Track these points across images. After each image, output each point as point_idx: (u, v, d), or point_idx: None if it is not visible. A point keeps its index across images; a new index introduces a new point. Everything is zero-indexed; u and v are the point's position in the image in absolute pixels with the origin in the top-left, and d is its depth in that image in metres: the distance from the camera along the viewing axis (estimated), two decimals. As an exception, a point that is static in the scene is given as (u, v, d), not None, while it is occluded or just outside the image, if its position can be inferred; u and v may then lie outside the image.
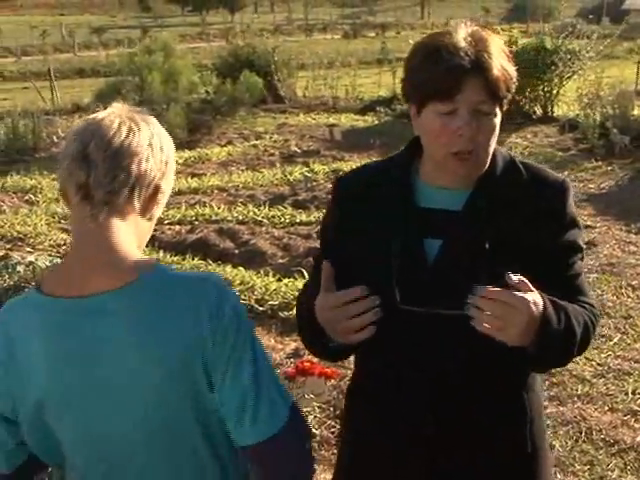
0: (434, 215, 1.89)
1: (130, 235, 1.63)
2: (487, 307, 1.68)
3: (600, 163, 10.00)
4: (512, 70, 1.83)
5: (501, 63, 1.80)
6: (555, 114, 13.14)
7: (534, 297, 1.71)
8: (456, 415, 1.90)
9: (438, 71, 1.77)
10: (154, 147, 1.66)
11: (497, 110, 1.82)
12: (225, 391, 1.60)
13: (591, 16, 30.12)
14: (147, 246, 7.31)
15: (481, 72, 1.76)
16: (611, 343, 5.10)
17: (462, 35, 1.80)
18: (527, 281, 1.71)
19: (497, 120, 1.83)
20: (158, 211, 1.72)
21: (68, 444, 1.66)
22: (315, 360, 3.84)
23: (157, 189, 1.67)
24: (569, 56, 12.79)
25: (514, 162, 1.95)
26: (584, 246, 1.97)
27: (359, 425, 2.08)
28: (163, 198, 1.71)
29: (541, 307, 1.72)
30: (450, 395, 1.89)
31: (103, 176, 1.57)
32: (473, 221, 1.86)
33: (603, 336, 5.17)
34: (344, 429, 2.24)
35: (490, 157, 1.88)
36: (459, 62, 1.75)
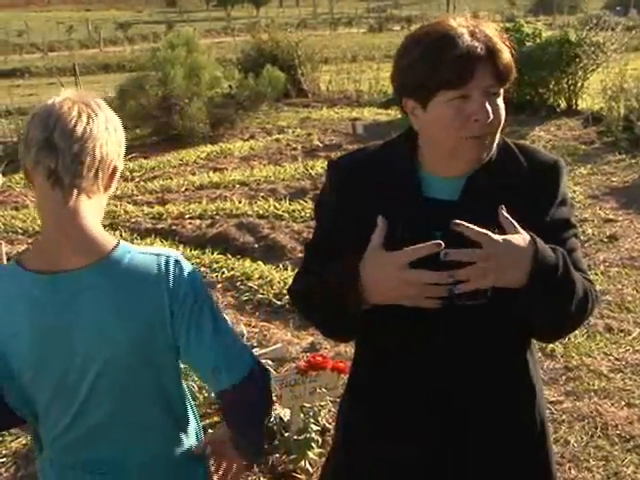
0: (437, 206, 1.88)
1: (96, 213, 1.82)
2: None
3: (624, 156, 9.88)
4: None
5: (507, 48, 1.81)
6: (579, 107, 13.03)
7: (511, 237, 1.72)
8: (465, 404, 1.92)
9: (450, 57, 1.75)
10: (110, 131, 1.81)
11: (501, 91, 1.84)
12: (193, 352, 1.85)
13: (618, 8, 29.89)
14: (167, 239, 7.27)
15: (492, 57, 1.77)
16: (630, 338, 5.05)
17: (462, 23, 1.80)
18: (513, 222, 1.74)
19: (501, 101, 1.85)
20: (114, 187, 1.89)
21: (43, 402, 1.87)
22: (329, 354, 3.85)
23: (115, 169, 1.84)
24: (593, 49, 12.68)
25: (508, 145, 1.96)
26: (577, 223, 1.99)
27: (361, 420, 2.08)
28: (118, 176, 1.88)
29: (528, 244, 1.72)
30: (458, 385, 1.91)
31: (70, 162, 1.73)
32: (469, 210, 1.82)
33: (622, 330, 5.13)
34: (342, 427, 2.22)
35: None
36: (472, 47, 1.75)
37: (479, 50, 1.76)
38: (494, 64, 1.78)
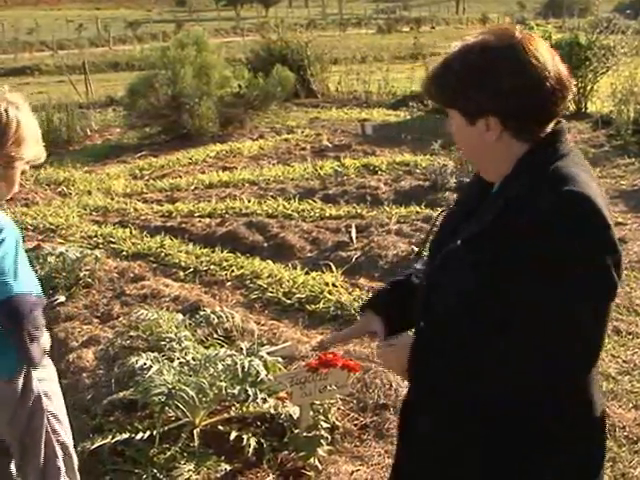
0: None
1: None
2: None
3: (633, 160, 9.90)
4: (472, 87, 1.77)
5: (451, 71, 1.80)
6: (589, 110, 13.06)
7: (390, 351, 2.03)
8: None
9: None
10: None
11: (459, 116, 1.85)
12: None
13: (628, 11, 29.82)
14: (177, 237, 7.29)
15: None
16: (638, 340, 5.05)
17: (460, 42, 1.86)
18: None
19: (458, 126, 1.87)
20: None
21: None
22: (338, 353, 3.86)
23: None
24: (603, 52, 12.70)
25: (546, 172, 1.76)
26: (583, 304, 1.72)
27: None
28: None
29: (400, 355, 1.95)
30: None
31: None
32: (477, 217, 1.88)
33: (630, 333, 5.13)
34: None
35: (483, 162, 1.91)
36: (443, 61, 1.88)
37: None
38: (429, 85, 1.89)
